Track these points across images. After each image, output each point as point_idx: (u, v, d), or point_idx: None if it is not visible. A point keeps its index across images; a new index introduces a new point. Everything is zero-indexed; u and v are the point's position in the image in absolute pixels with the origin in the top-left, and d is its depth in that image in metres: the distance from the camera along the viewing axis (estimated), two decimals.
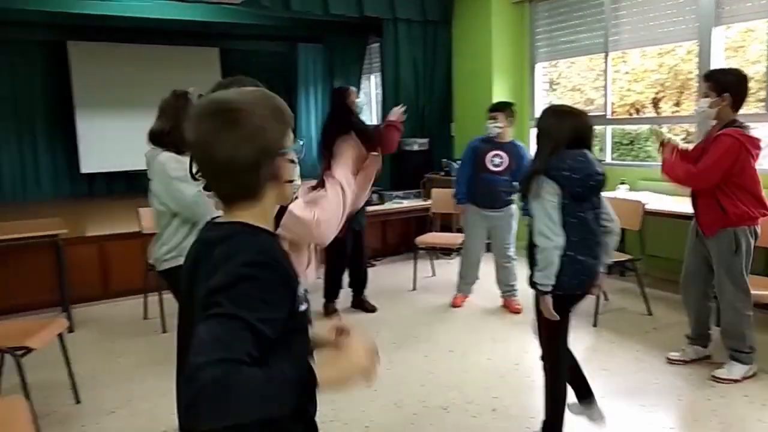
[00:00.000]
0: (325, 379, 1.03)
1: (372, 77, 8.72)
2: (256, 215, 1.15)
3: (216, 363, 0.90)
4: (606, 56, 5.67)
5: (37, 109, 8.22)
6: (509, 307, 4.58)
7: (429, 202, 5.76)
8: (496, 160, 4.40)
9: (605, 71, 5.72)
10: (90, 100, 8.09)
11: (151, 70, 8.34)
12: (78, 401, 3.21)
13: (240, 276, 1.01)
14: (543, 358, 2.60)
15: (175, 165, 2.53)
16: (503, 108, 4.45)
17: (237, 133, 1.08)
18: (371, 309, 4.65)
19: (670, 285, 4.59)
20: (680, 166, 3.23)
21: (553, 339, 2.54)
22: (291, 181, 1.19)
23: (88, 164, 8.21)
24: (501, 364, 3.60)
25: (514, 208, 4.54)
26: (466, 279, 4.72)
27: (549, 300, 2.43)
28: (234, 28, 7.82)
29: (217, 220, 1.20)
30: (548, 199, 2.37)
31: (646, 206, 4.38)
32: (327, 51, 9.28)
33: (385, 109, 6.99)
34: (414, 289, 5.20)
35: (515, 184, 4.34)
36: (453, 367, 3.56)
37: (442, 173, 6.50)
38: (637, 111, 7.68)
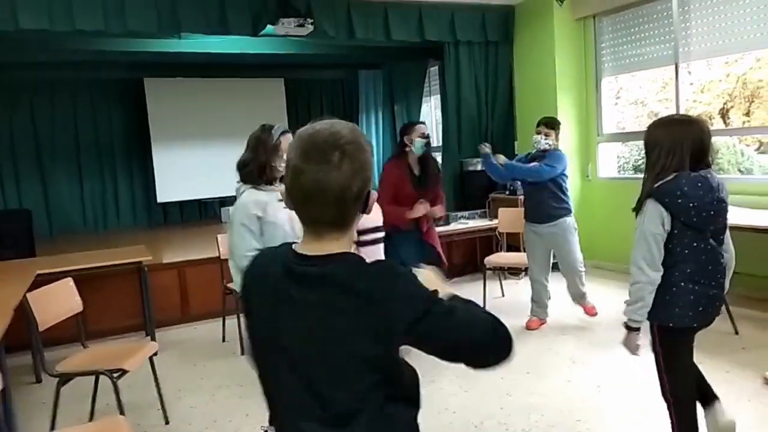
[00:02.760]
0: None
1: (431, 99, 8.79)
2: (344, 244, 1.18)
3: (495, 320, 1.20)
4: (676, 68, 5.53)
5: (116, 143, 8.72)
6: (586, 311, 4.64)
7: (495, 221, 5.72)
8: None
9: (676, 83, 5.57)
10: (164, 132, 8.52)
11: (221, 102, 8.73)
12: (167, 422, 3.34)
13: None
14: (663, 395, 2.37)
15: (248, 212, 2.59)
16: (555, 125, 4.45)
17: (351, 166, 1.12)
18: None
19: (757, 303, 4.38)
20: None
21: (670, 375, 2.31)
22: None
23: (164, 194, 8.62)
24: (582, 386, 3.51)
25: (569, 221, 4.47)
26: (538, 302, 4.64)
27: (635, 336, 2.29)
28: (298, 58, 8.09)
29: (306, 252, 1.18)
30: (651, 229, 2.17)
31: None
32: (387, 76, 9.44)
33: (447, 131, 7.04)
34: None
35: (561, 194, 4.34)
36: (532, 390, 3.50)
37: (507, 192, 6.46)
38: None
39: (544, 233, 4.46)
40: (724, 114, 7.47)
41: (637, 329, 2.28)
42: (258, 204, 2.59)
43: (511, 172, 4.57)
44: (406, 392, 1.21)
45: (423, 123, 4.36)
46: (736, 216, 4.37)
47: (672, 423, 2.33)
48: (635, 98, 7.45)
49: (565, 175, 4.41)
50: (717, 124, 7.17)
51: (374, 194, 1.19)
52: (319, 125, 1.19)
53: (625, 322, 2.32)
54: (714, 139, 2.24)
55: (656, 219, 2.16)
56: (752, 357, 3.71)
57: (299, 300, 1.15)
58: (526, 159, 4.58)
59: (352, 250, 1.21)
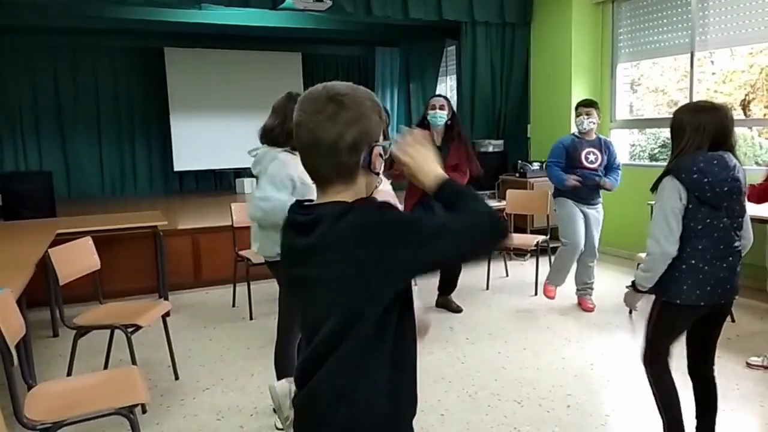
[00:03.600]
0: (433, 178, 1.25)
1: (447, 79, 8.82)
2: (350, 198, 1.22)
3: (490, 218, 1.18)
4: (692, 56, 5.53)
5: (135, 110, 8.87)
6: (583, 305, 4.62)
7: (503, 203, 5.80)
8: (591, 157, 4.44)
9: (691, 72, 5.58)
10: (183, 102, 8.65)
11: (239, 74, 8.83)
12: (177, 377, 3.52)
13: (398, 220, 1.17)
14: (643, 361, 2.47)
15: (284, 172, 2.66)
16: (596, 105, 4.50)
17: (344, 117, 1.18)
18: (457, 309, 4.65)
19: (756, 293, 4.44)
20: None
21: (655, 343, 2.42)
22: (377, 174, 1.28)
23: (181, 163, 8.78)
24: (575, 363, 3.62)
25: (602, 208, 4.60)
26: (564, 273, 4.65)
27: (638, 296, 2.43)
28: (316, 33, 8.14)
29: (308, 203, 1.25)
30: (669, 203, 2.26)
31: None
32: (404, 54, 9.47)
33: (461, 112, 7.09)
34: (487, 288, 5.27)
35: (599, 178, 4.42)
36: (526, 364, 3.63)
37: (517, 174, 6.52)
38: None
39: (587, 212, 4.54)
40: (745, 105, 7.42)
41: (643, 292, 2.39)
42: (296, 166, 2.56)
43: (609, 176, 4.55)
44: (393, 350, 1.21)
45: (440, 96, 4.45)
46: (748, 207, 4.46)
47: (651, 388, 2.46)
48: (655, 86, 7.44)
49: None
50: (738, 114, 7.14)
51: (378, 150, 1.22)
52: (326, 84, 1.25)
53: (633, 282, 2.43)
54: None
55: (674, 194, 2.25)
56: (744, 345, 3.79)
57: (294, 247, 1.24)
58: (563, 148, 4.49)
59: None
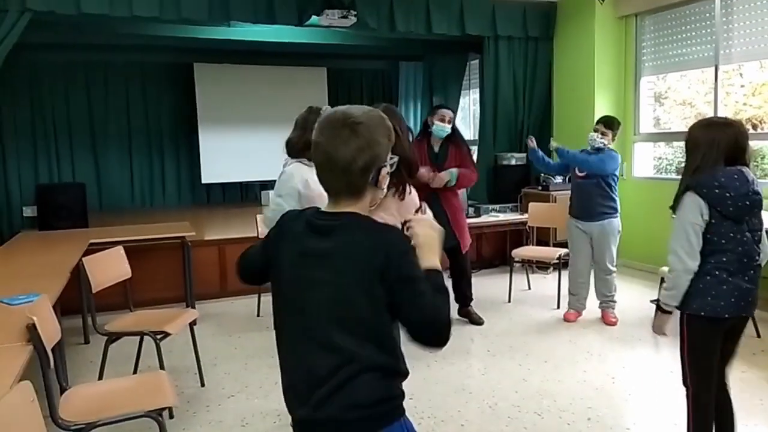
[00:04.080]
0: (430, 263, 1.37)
1: (470, 92, 8.88)
2: (358, 209, 1.38)
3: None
4: (716, 70, 5.51)
5: (165, 124, 9.09)
6: (605, 318, 4.60)
7: (526, 215, 5.82)
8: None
9: (715, 85, 5.55)
10: (211, 116, 8.84)
11: (266, 88, 9.01)
12: (203, 384, 3.61)
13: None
14: (683, 382, 2.44)
15: (290, 184, 2.83)
16: (615, 125, 4.47)
17: (356, 143, 1.32)
18: (478, 321, 4.64)
19: None
20: None
21: (693, 365, 2.38)
22: (382, 189, 1.43)
23: (208, 175, 8.96)
24: (596, 377, 3.62)
25: (616, 222, 4.53)
26: (578, 295, 4.69)
27: (666, 318, 2.39)
28: (341, 48, 8.28)
29: (326, 211, 1.40)
30: (690, 219, 2.26)
31: None
32: (427, 68, 9.55)
33: (483, 125, 7.15)
34: (509, 301, 5.28)
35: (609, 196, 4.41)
36: (547, 377, 3.63)
37: (540, 188, 6.53)
38: (755, 126, 7.28)
39: (589, 230, 4.52)
40: None
41: (670, 312, 2.38)
42: (302, 177, 2.80)
43: (560, 156, 4.64)
44: (389, 353, 1.35)
45: (448, 108, 4.52)
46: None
47: (688, 410, 2.42)
48: (683, 99, 7.38)
49: (616, 175, 4.47)
50: (767, 127, 7.04)
51: (385, 170, 1.38)
52: (338, 108, 1.41)
53: (658, 304, 2.42)
54: (761, 144, 2.34)
55: (695, 209, 2.26)
56: None
57: (314, 249, 1.35)
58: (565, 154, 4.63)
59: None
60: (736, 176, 2.25)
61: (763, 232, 2.38)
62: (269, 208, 2.99)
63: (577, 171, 4.53)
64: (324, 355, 1.32)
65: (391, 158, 1.41)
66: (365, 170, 1.33)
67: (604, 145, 4.42)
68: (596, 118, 4.82)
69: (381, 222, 1.39)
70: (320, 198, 1.84)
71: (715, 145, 2.27)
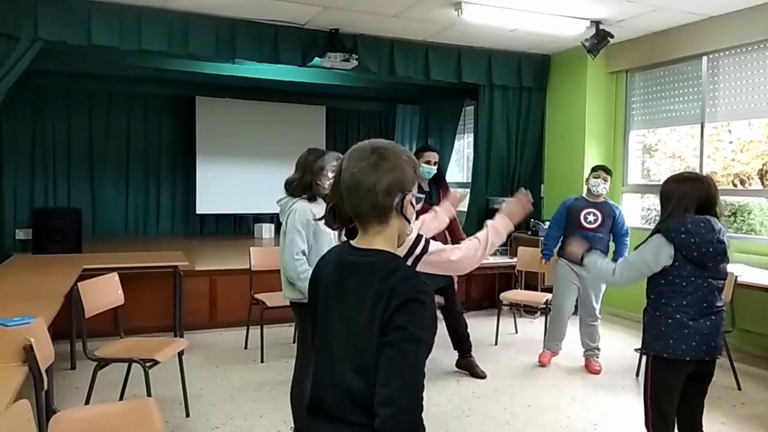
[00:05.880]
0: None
1: (465, 136, 9.09)
2: (387, 239, 1.42)
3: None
4: (702, 127, 5.71)
5: (163, 154, 9.20)
6: (589, 367, 4.63)
7: (515, 259, 5.91)
8: (590, 218, 4.54)
9: (701, 141, 5.75)
10: (210, 148, 8.97)
11: (265, 124, 9.19)
12: (188, 415, 3.61)
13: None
14: (645, 424, 2.54)
15: (304, 216, 2.98)
16: (610, 171, 4.65)
17: (383, 166, 1.40)
18: (481, 375, 4.44)
19: (763, 362, 4.46)
20: None
21: (655, 407, 2.48)
22: (408, 222, 1.48)
23: (203, 206, 9.04)
24: (579, 423, 3.66)
25: None
26: (555, 336, 4.75)
27: (578, 252, 2.74)
28: (341, 89, 8.50)
29: (355, 244, 1.44)
30: (645, 257, 2.48)
31: (739, 278, 4.33)
32: (424, 111, 9.79)
33: (476, 169, 7.32)
34: (495, 344, 5.32)
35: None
36: (531, 421, 3.67)
37: (529, 232, 6.65)
38: (742, 182, 7.48)
39: (581, 272, 4.50)
40: (762, 175, 7.53)
41: (580, 263, 2.78)
42: (311, 212, 2.97)
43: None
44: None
45: (434, 150, 4.56)
46: (747, 275, 4.53)
47: None
48: (672, 152, 7.59)
49: None
50: (755, 184, 7.23)
51: (409, 197, 1.43)
52: (370, 140, 1.49)
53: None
54: (747, 200, 2.55)
55: (655, 253, 2.45)
56: (750, 412, 3.81)
57: (346, 285, 1.41)
58: (565, 209, 4.66)
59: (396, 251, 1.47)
60: (702, 224, 2.41)
61: (727, 282, 2.51)
62: (289, 266, 2.96)
63: (584, 222, 4.53)
64: (335, 395, 1.38)
65: (417, 195, 1.47)
66: (389, 192, 1.39)
67: (605, 191, 4.56)
68: (586, 167, 4.96)
69: (399, 262, 1.42)
70: (328, 233, 1.95)
71: (685, 198, 2.45)
